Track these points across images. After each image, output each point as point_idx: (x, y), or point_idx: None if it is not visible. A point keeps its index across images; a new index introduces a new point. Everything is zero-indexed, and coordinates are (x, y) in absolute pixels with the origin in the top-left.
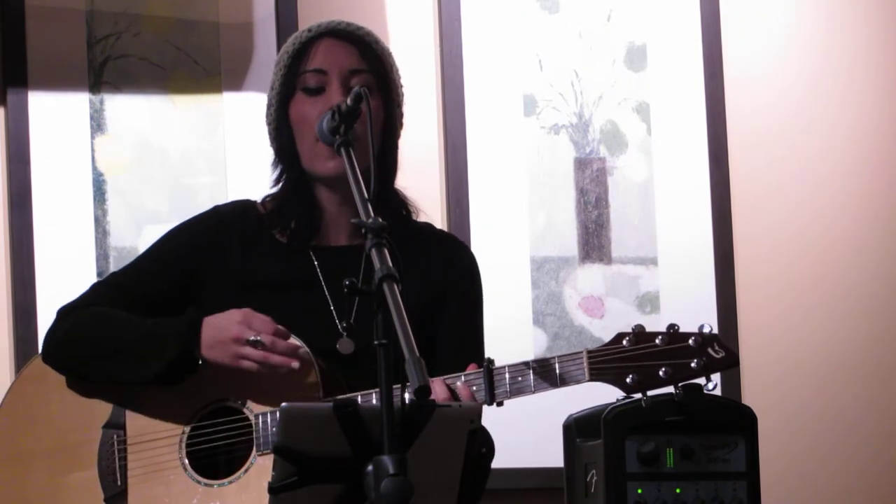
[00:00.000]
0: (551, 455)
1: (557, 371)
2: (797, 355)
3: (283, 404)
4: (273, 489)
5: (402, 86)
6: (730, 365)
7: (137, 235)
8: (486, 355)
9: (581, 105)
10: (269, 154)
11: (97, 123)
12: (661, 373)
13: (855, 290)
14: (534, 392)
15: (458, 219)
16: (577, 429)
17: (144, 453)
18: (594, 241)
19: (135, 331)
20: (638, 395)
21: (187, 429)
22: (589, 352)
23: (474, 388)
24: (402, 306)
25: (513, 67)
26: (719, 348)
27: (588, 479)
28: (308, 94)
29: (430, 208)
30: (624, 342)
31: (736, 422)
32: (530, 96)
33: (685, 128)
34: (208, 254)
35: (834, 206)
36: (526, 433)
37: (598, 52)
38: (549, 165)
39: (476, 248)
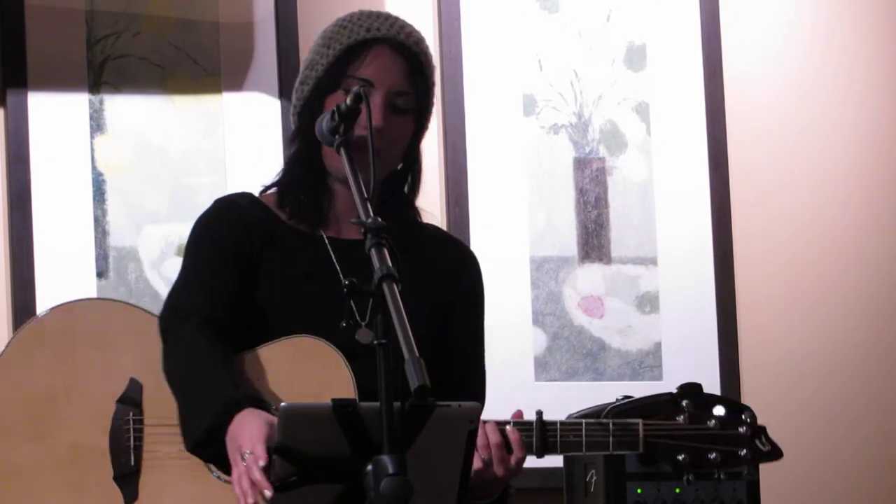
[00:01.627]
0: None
1: (611, 438)
2: (797, 355)
3: (283, 404)
4: (273, 489)
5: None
6: (773, 459)
7: (137, 235)
8: (540, 409)
9: (581, 105)
10: (268, 154)
11: (97, 123)
12: (711, 456)
13: (854, 289)
14: (584, 452)
15: (458, 218)
16: None
17: (162, 437)
18: (594, 240)
19: (190, 393)
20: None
21: None
22: (645, 423)
23: (523, 437)
24: (401, 306)
25: (512, 67)
26: (766, 441)
27: (588, 479)
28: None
29: (430, 208)
30: (679, 419)
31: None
32: (530, 96)
33: (685, 128)
34: (245, 243)
35: (833, 206)
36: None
37: (598, 51)
38: (549, 165)
39: (476, 247)
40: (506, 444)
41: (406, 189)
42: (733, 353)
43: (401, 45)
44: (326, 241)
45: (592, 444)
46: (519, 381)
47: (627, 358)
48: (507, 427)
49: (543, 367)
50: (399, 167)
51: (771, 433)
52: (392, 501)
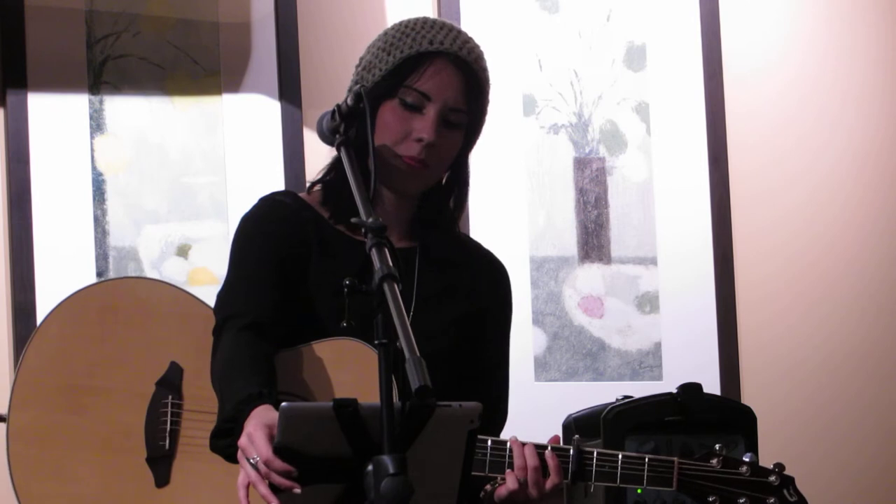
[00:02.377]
0: None
1: (646, 473)
2: (797, 355)
3: (283, 404)
4: (274, 489)
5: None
6: None
7: (137, 235)
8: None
9: (580, 105)
10: (267, 154)
11: (97, 123)
12: (740, 501)
13: (854, 289)
14: (618, 484)
15: None
16: (577, 428)
17: (199, 423)
18: (593, 240)
19: (221, 392)
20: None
21: None
22: (680, 462)
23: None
24: (402, 306)
25: (512, 67)
26: (793, 492)
27: None
28: (403, 107)
29: None
30: (713, 461)
31: (736, 421)
32: (530, 96)
33: (684, 128)
34: (291, 243)
35: (833, 206)
36: (526, 433)
37: (598, 51)
38: (549, 165)
39: None
40: (543, 467)
41: (452, 204)
42: (733, 353)
43: (462, 61)
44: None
45: (627, 477)
46: (519, 381)
47: (627, 358)
48: (547, 452)
49: (543, 367)
50: (444, 181)
51: (771, 433)
52: (392, 501)
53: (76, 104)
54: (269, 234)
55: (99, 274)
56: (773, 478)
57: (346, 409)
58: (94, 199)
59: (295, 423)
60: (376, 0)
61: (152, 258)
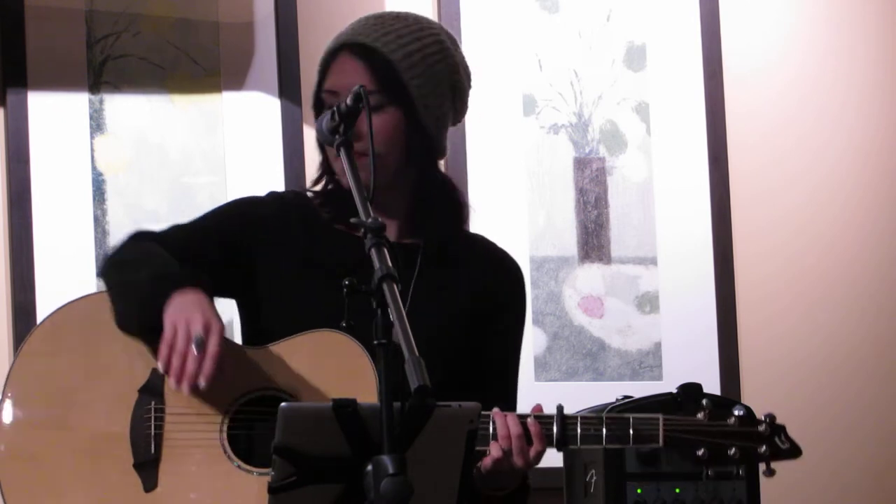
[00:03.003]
0: (551, 455)
1: (632, 431)
2: (797, 355)
3: (283, 404)
4: (273, 489)
5: (443, 88)
6: (793, 456)
7: None
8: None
9: (580, 105)
10: (268, 154)
11: (97, 123)
12: (730, 452)
13: (854, 289)
14: (604, 445)
15: None
16: None
17: (183, 426)
18: (593, 240)
19: (128, 270)
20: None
21: (230, 411)
22: (665, 418)
23: (543, 430)
24: (401, 306)
25: (512, 67)
26: (785, 439)
27: (587, 479)
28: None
29: None
30: (699, 416)
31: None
32: (530, 96)
33: (684, 127)
34: (267, 234)
35: (833, 206)
36: None
37: (598, 51)
38: (549, 165)
39: None
40: (526, 435)
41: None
42: (733, 353)
43: (360, 46)
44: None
45: (613, 437)
46: (519, 381)
47: (627, 358)
48: (529, 419)
49: (543, 367)
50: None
51: None
52: (392, 501)
53: (76, 104)
54: (233, 217)
55: (99, 274)
56: (762, 427)
57: (346, 409)
58: (94, 199)
59: (295, 423)
60: (376, 0)
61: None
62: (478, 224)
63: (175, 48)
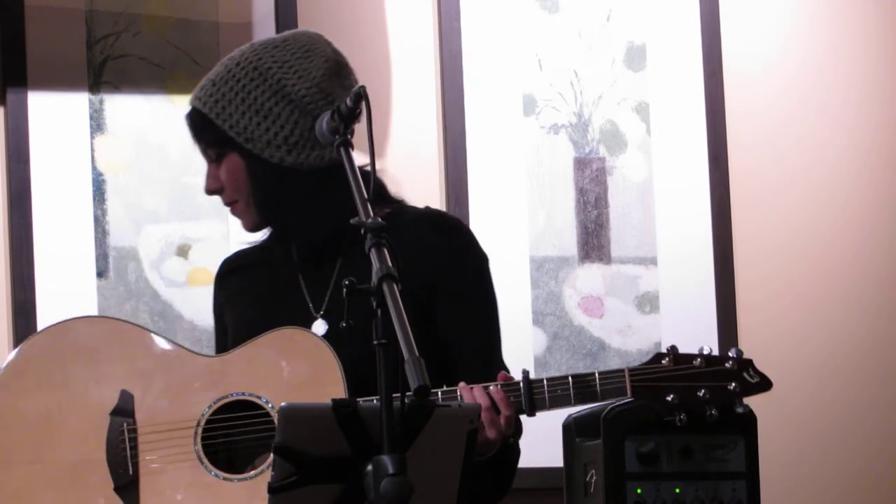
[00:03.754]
0: (551, 455)
1: (599, 388)
2: (797, 355)
3: (283, 404)
4: (273, 489)
5: (278, 95)
6: (764, 389)
7: (137, 235)
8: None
9: (580, 105)
10: None
11: (97, 123)
12: (699, 393)
13: (855, 289)
14: (573, 405)
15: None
16: (577, 428)
17: (157, 444)
18: (594, 240)
19: None
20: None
21: (202, 421)
22: (630, 370)
23: (511, 397)
24: (401, 306)
25: (512, 67)
26: (754, 373)
27: (587, 479)
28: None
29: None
30: (663, 362)
31: (735, 421)
32: (530, 96)
33: (684, 127)
34: (228, 301)
35: (833, 206)
36: (525, 433)
37: (598, 51)
38: (549, 165)
39: None
40: (493, 405)
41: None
42: None
43: (190, 111)
44: (293, 249)
45: (581, 396)
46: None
47: (627, 358)
48: (492, 388)
49: (543, 367)
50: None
51: (771, 433)
52: (392, 501)
53: (76, 104)
54: (215, 304)
55: (99, 274)
56: (729, 363)
57: (346, 409)
58: (94, 199)
59: (294, 423)
60: (376, 0)
61: (152, 258)
62: (478, 224)
63: (175, 48)
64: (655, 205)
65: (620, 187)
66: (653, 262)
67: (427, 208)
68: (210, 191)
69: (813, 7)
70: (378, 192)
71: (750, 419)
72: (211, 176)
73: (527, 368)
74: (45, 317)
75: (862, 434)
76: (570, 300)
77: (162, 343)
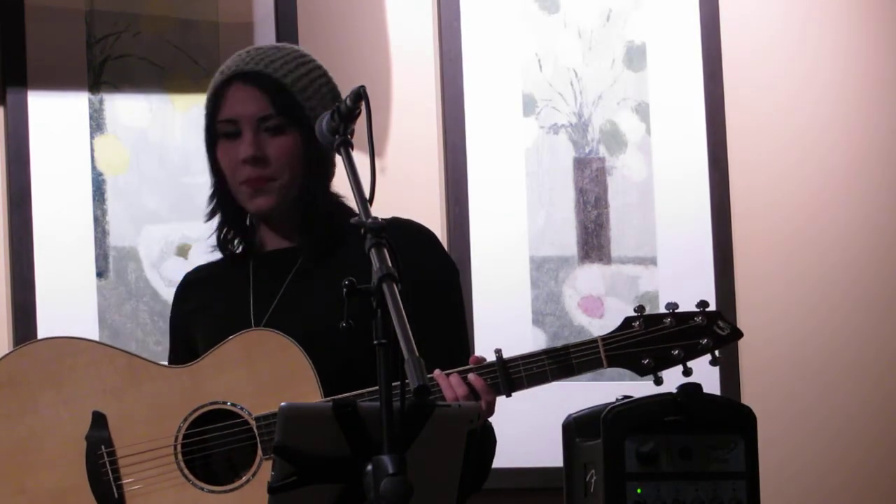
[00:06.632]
0: (550, 455)
1: (573, 361)
2: (797, 355)
3: (283, 404)
4: (272, 489)
5: (337, 103)
6: (734, 339)
7: (137, 235)
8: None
9: (580, 105)
10: None
11: (96, 123)
12: (674, 353)
13: (855, 289)
14: (550, 381)
15: (458, 218)
16: (577, 428)
17: (139, 465)
18: (593, 240)
19: None
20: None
21: (180, 436)
22: (603, 338)
23: (488, 380)
24: (401, 306)
25: (512, 67)
26: (724, 324)
27: (587, 479)
28: (226, 140)
29: (430, 207)
30: (634, 325)
31: (735, 421)
32: (529, 96)
33: (684, 128)
34: (183, 320)
35: (834, 206)
36: (525, 433)
37: (598, 51)
38: (549, 165)
39: (475, 247)
40: (472, 392)
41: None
42: (733, 352)
43: (251, 73)
44: (250, 264)
45: (557, 371)
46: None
47: None
48: (470, 375)
49: None
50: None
51: (770, 433)
52: (392, 501)
53: (76, 104)
54: (171, 324)
55: (99, 274)
56: (698, 318)
57: (346, 408)
58: (94, 199)
59: (294, 423)
60: (376, 0)
61: (152, 258)
62: (478, 224)
63: (175, 48)
64: (655, 205)
65: (620, 187)
66: (653, 262)
67: (395, 218)
68: (254, 157)
69: (813, 8)
70: (339, 214)
71: (750, 419)
72: (256, 144)
73: (499, 347)
74: (45, 317)
75: (862, 434)
76: (569, 300)
77: (125, 358)
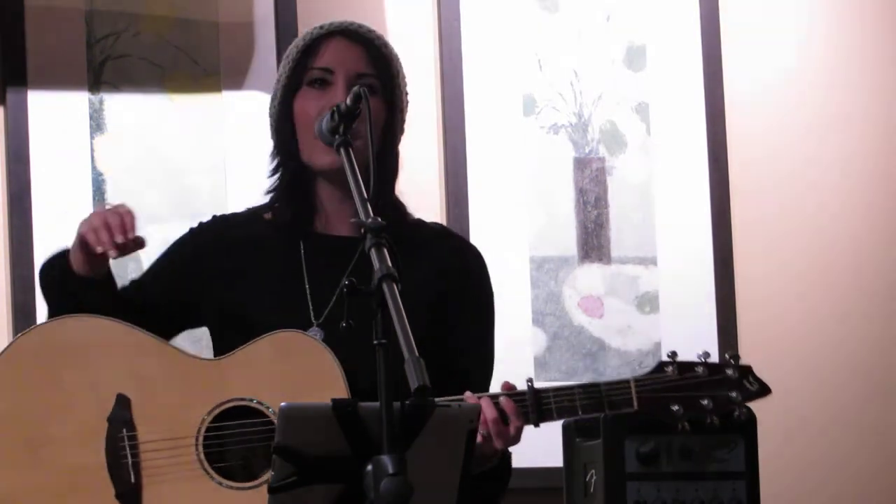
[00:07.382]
0: (551, 455)
1: (605, 399)
2: (797, 355)
3: (283, 404)
4: (273, 489)
5: (407, 92)
6: (762, 396)
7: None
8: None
9: (580, 105)
10: (267, 153)
11: (96, 123)
12: (703, 402)
13: (854, 289)
14: (580, 415)
15: (458, 218)
16: (577, 429)
17: (159, 452)
18: (593, 240)
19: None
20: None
21: (203, 428)
22: (636, 380)
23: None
24: (401, 306)
25: (512, 67)
26: (753, 380)
27: (587, 479)
28: (313, 88)
29: (430, 207)
30: (667, 369)
31: (735, 422)
32: (529, 96)
33: (684, 128)
34: (208, 261)
35: (833, 206)
36: (525, 433)
37: (598, 52)
38: (549, 165)
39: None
40: (502, 416)
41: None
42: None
43: (354, 33)
44: (301, 242)
45: (587, 406)
46: (519, 381)
47: (627, 358)
48: (502, 398)
49: (543, 367)
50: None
51: (770, 433)
52: (392, 501)
53: (76, 104)
54: (186, 251)
55: None
56: (730, 371)
57: (346, 409)
58: (94, 199)
59: (294, 423)
60: (376, 1)
61: (152, 258)
62: (478, 224)
63: (175, 48)
64: (655, 205)
65: (620, 187)
66: (653, 262)
67: (445, 228)
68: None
69: (814, 8)
70: (400, 211)
71: (750, 419)
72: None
73: (530, 376)
74: (45, 318)
75: (861, 434)
76: (569, 300)
77: (157, 345)
